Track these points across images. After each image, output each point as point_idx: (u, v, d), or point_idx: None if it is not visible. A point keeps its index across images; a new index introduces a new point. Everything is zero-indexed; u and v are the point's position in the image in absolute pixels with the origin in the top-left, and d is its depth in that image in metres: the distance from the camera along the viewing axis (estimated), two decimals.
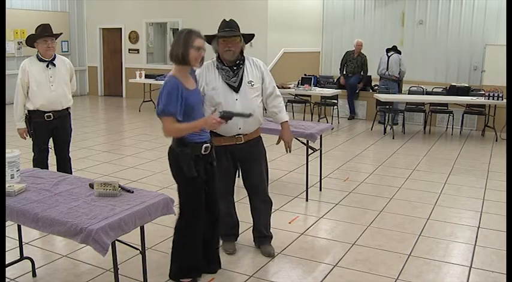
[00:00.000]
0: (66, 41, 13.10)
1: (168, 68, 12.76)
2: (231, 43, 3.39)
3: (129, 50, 13.45)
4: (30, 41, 4.37)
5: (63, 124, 4.58)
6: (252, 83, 3.50)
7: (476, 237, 4.19)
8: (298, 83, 10.31)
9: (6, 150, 2.96)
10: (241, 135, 3.50)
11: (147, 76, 11.47)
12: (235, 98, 3.43)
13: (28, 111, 4.43)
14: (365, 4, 13.82)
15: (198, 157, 3.06)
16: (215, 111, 3.13)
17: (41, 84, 4.35)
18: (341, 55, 10.96)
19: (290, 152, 3.83)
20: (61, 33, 4.56)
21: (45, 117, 4.42)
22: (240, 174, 3.71)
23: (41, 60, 4.38)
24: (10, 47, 11.64)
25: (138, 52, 13.33)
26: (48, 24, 4.42)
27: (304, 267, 3.60)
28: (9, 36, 11.51)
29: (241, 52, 3.51)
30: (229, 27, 3.40)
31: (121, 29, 13.40)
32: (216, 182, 3.28)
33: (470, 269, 3.60)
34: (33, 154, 4.56)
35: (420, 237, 4.15)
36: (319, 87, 10.54)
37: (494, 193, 5.43)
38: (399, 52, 9.92)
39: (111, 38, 13.65)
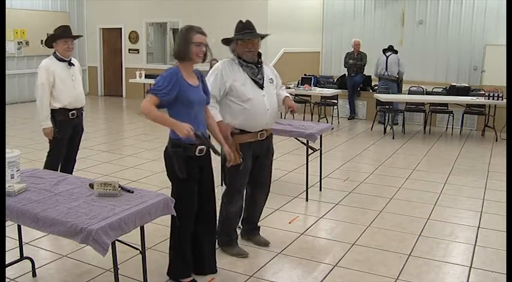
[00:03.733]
0: None
1: (167, 68, 12.78)
2: (251, 44, 3.47)
3: (129, 50, 13.45)
4: (50, 40, 4.45)
5: (81, 122, 4.69)
6: (272, 80, 3.65)
7: (476, 237, 4.19)
8: (298, 83, 10.32)
9: (6, 150, 2.96)
10: (264, 131, 3.59)
11: (147, 76, 11.47)
12: (262, 94, 3.52)
13: (52, 110, 4.43)
14: (365, 4, 13.83)
15: (191, 158, 3.06)
16: (194, 131, 2.94)
17: (65, 83, 4.43)
18: (341, 55, 10.96)
19: (294, 114, 3.83)
20: (81, 36, 4.67)
21: (70, 115, 4.49)
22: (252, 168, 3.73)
23: (61, 60, 4.44)
24: (10, 47, 11.64)
25: (138, 52, 13.33)
26: (69, 26, 4.56)
27: (304, 267, 3.60)
28: (9, 36, 11.51)
29: (258, 51, 3.59)
30: (247, 28, 3.47)
31: (121, 29, 13.40)
32: (212, 183, 3.30)
33: (470, 269, 3.60)
34: (49, 156, 4.53)
35: (420, 237, 4.15)
36: (319, 87, 10.56)
37: (494, 193, 5.43)
38: (396, 52, 9.94)
39: (111, 38, 13.65)
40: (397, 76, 9.78)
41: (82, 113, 4.68)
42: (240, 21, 3.50)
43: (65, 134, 4.51)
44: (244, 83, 3.47)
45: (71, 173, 4.60)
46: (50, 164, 4.45)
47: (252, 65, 3.52)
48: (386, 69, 9.77)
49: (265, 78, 3.57)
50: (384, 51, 9.98)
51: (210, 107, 3.37)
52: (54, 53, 4.45)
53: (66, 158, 4.69)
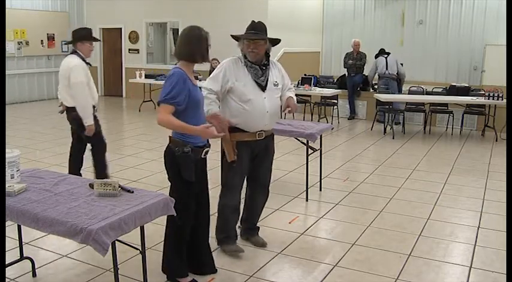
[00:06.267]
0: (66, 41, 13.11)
1: (168, 68, 12.78)
2: (254, 45, 3.47)
3: (129, 50, 13.45)
4: (78, 39, 4.56)
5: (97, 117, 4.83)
6: (277, 83, 3.63)
7: (476, 237, 4.19)
8: (298, 83, 10.31)
9: (6, 150, 2.96)
10: (263, 131, 3.59)
11: (147, 76, 11.48)
12: (264, 96, 3.53)
13: None
14: (365, 4, 13.83)
15: (197, 161, 3.08)
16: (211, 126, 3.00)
17: (91, 81, 4.62)
18: (341, 55, 10.96)
19: (292, 113, 3.81)
20: (99, 40, 4.85)
21: (95, 111, 4.69)
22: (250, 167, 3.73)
23: (83, 60, 4.59)
24: (10, 47, 11.63)
25: (138, 52, 13.33)
26: (91, 29, 4.82)
27: (304, 267, 3.60)
28: (9, 36, 11.50)
29: (267, 54, 3.59)
30: (255, 29, 3.48)
31: (121, 29, 13.40)
32: (207, 182, 3.31)
33: (470, 269, 3.60)
34: (97, 152, 4.85)
35: (420, 237, 4.15)
36: (319, 87, 10.55)
37: (494, 193, 5.43)
38: (388, 53, 10.04)
39: (111, 38, 13.65)
40: (397, 75, 9.82)
41: None
42: (252, 21, 3.53)
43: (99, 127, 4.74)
44: (245, 84, 3.48)
45: (79, 171, 4.88)
46: (101, 159, 4.84)
47: (257, 66, 3.53)
48: (387, 68, 9.81)
49: (269, 81, 3.57)
50: (379, 54, 10.05)
51: (209, 103, 3.39)
52: (75, 52, 4.56)
53: (78, 159, 4.94)
